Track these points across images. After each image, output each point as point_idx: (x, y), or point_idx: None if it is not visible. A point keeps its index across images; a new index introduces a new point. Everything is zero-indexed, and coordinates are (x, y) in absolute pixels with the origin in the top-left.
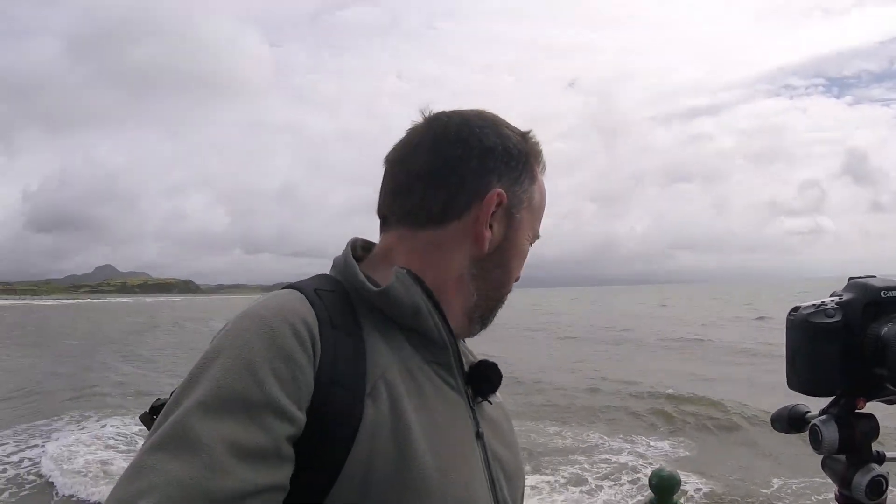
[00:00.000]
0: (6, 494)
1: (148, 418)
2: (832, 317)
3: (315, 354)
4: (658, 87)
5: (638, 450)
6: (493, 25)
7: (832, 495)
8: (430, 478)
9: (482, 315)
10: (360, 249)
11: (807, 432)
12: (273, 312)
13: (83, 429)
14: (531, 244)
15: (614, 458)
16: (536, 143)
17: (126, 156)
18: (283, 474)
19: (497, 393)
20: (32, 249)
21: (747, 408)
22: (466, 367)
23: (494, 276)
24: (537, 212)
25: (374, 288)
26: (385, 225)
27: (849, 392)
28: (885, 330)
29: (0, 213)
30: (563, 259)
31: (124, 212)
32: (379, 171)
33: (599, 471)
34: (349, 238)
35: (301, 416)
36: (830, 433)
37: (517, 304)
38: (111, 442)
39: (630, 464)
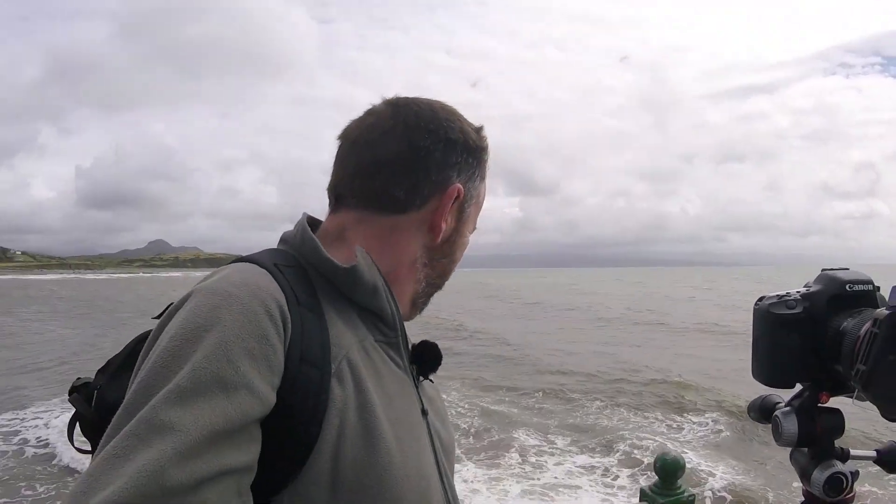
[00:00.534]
0: (10, 462)
1: (76, 400)
2: (793, 308)
3: (286, 333)
4: (711, 64)
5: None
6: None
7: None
8: (393, 455)
9: (423, 301)
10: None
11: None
12: (242, 288)
13: None
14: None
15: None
16: (487, 141)
17: (178, 133)
18: (251, 456)
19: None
20: (85, 225)
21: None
22: (410, 347)
23: (441, 265)
24: (480, 208)
25: (340, 265)
26: (339, 204)
27: (812, 385)
28: (844, 324)
29: (54, 191)
30: (613, 239)
31: (176, 188)
32: None
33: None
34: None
35: (272, 397)
36: (790, 425)
37: (555, 283)
38: None
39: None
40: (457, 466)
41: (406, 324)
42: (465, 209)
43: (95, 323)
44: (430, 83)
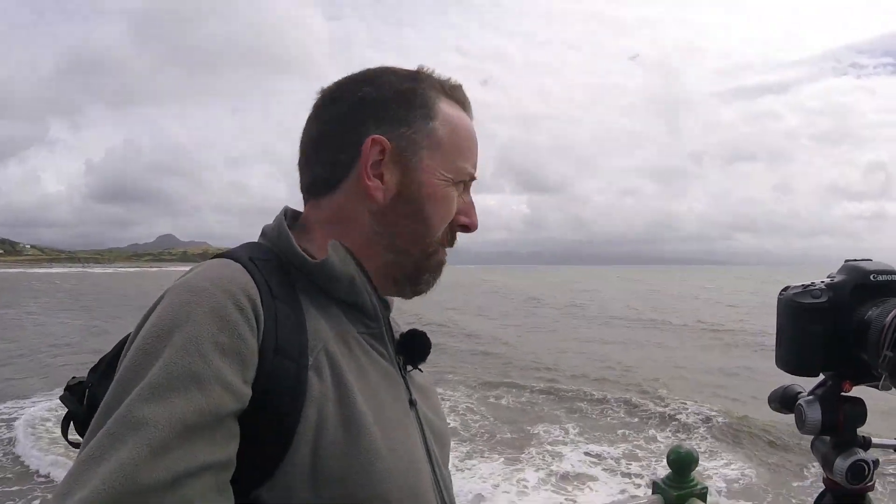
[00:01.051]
0: None
1: (68, 399)
2: (818, 297)
3: (259, 326)
4: (721, 63)
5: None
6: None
7: None
8: (376, 446)
9: (407, 275)
10: (289, 219)
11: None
12: (213, 283)
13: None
14: (459, 183)
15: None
16: (433, 78)
17: (188, 130)
18: (229, 451)
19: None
20: (95, 220)
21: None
22: (397, 337)
23: (403, 227)
24: (450, 147)
25: (312, 260)
26: (305, 196)
27: (835, 374)
28: (869, 313)
29: (64, 186)
30: (621, 237)
31: (187, 184)
32: None
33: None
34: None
35: (247, 391)
36: (814, 414)
37: (551, 280)
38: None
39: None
40: (473, 461)
41: (409, 303)
42: (408, 158)
43: (89, 315)
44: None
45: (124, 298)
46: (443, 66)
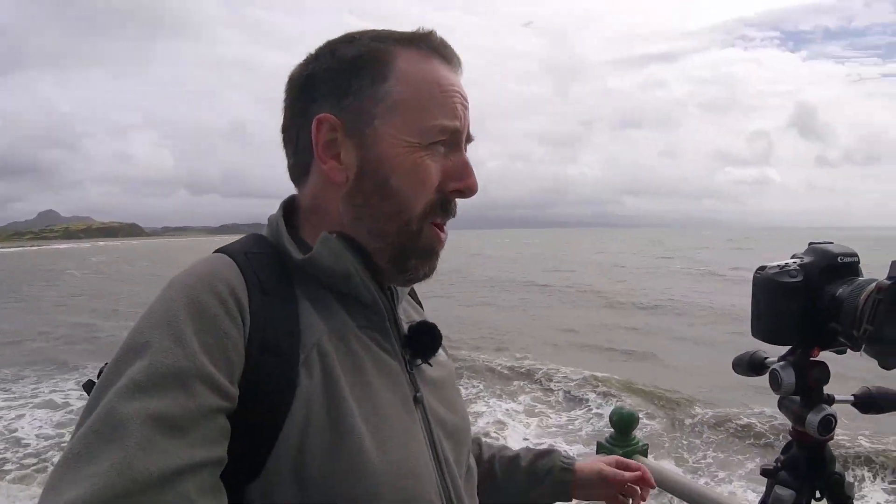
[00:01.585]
0: None
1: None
2: (795, 277)
3: (244, 323)
4: (614, 32)
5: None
6: None
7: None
8: (366, 447)
9: (391, 260)
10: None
11: (766, 376)
12: (199, 280)
13: None
14: (435, 144)
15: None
16: (393, 33)
17: (69, 98)
18: (219, 448)
19: (444, 352)
20: None
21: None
22: (406, 330)
23: (374, 208)
24: (412, 107)
25: (299, 255)
26: None
27: (805, 342)
28: (840, 290)
29: None
30: (514, 201)
31: (67, 155)
32: None
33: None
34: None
35: (233, 389)
36: (789, 377)
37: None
38: None
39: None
40: None
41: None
42: (362, 130)
43: None
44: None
45: None
46: (336, 29)
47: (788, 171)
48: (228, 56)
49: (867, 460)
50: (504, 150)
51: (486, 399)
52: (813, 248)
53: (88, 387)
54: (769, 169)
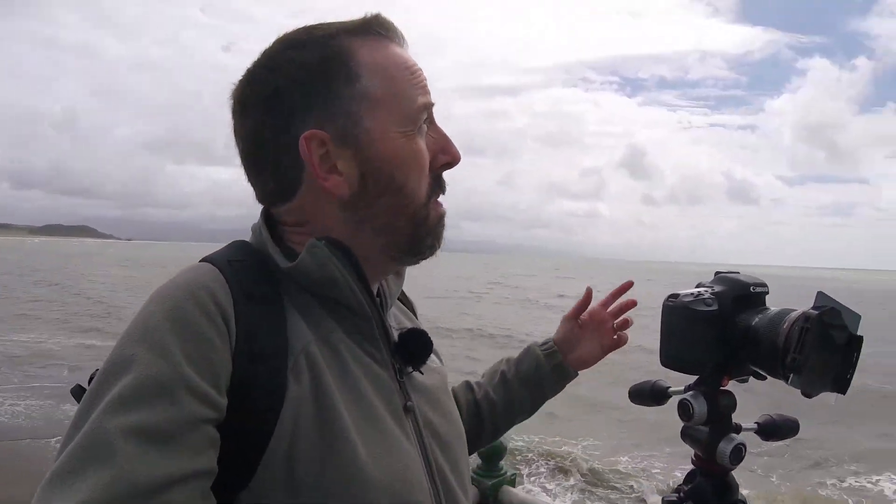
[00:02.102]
0: None
1: (80, 393)
2: (710, 306)
3: (230, 331)
4: (462, 61)
5: None
6: None
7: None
8: (356, 454)
9: (405, 248)
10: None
11: (665, 404)
12: (181, 290)
13: None
14: (420, 126)
15: None
16: (340, 26)
17: None
18: (208, 459)
19: (438, 359)
20: None
21: None
22: (396, 337)
23: (382, 206)
24: (391, 95)
25: (285, 263)
26: None
27: (717, 372)
28: (755, 320)
29: None
30: None
31: None
32: (174, 107)
33: None
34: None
35: (221, 399)
36: (700, 406)
37: None
38: None
39: None
40: None
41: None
42: (354, 135)
43: None
44: (183, 39)
45: None
46: (187, 23)
47: (617, 206)
48: (67, 39)
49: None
50: None
51: None
52: (723, 278)
53: (77, 392)
54: (599, 203)
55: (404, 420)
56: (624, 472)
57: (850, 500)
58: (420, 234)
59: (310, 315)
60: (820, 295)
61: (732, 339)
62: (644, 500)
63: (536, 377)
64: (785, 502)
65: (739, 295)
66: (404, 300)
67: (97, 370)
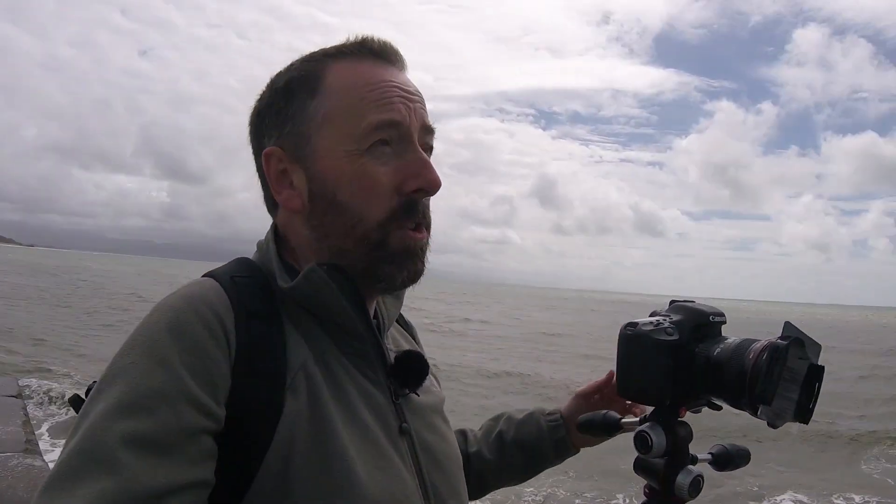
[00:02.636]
0: None
1: (75, 402)
2: (671, 335)
3: (230, 346)
4: None
5: None
6: None
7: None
8: (351, 472)
9: (362, 273)
10: None
11: (617, 436)
12: (183, 303)
13: None
14: (376, 145)
15: None
16: (329, 49)
17: None
18: (204, 469)
19: (436, 381)
20: None
21: None
22: (392, 359)
23: (329, 226)
24: (346, 113)
25: (284, 283)
26: None
27: (675, 402)
28: (717, 350)
29: None
30: (262, 234)
31: None
32: (83, 110)
33: None
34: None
35: (220, 411)
36: (659, 438)
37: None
38: None
39: None
40: None
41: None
42: (302, 153)
43: None
44: (100, 41)
45: None
46: (105, 24)
47: (527, 234)
48: None
49: None
50: (256, 182)
51: None
52: (680, 307)
53: (75, 401)
54: (510, 231)
55: (399, 441)
56: None
57: None
58: (374, 259)
59: (308, 334)
60: (787, 325)
61: (692, 369)
62: None
63: (536, 446)
64: None
65: (698, 324)
66: (404, 323)
67: (94, 381)
